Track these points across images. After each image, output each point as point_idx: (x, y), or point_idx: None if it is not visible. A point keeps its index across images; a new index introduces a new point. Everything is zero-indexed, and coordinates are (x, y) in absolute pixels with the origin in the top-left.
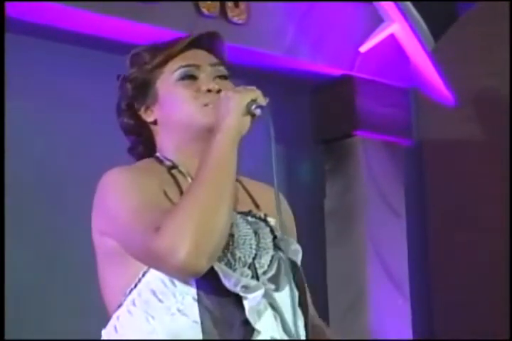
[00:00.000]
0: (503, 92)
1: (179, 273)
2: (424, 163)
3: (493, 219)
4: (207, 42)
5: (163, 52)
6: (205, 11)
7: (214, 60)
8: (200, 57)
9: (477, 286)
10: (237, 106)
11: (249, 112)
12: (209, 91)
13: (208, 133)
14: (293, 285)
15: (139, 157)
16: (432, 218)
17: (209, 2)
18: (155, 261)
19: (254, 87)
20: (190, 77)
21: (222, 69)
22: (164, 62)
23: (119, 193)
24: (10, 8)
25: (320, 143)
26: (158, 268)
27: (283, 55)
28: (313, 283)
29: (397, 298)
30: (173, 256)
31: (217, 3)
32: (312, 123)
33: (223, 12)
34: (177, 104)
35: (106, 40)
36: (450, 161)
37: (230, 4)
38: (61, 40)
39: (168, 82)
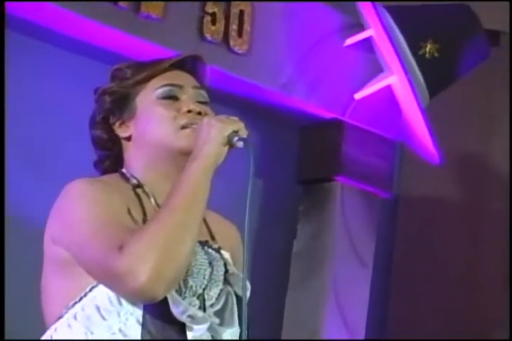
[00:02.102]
0: (490, 158)
1: (135, 296)
2: (397, 217)
3: (460, 283)
4: (191, 65)
5: (147, 69)
6: (208, 36)
7: (196, 83)
8: (183, 78)
9: None
10: (218, 135)
11: (229, 143)
12: (189, 111)
13: (179, 155)
14: (236, 322)
15: (104, 171)
16: (396, 274)
17: (213, 28)
18: (112, 280)
19: (237, 118)
20: (171, 97)
21: (203, 94)
22: (147, 79)
23: (81, 204)
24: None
25: (300, 183)
26: (113, 287)
27: (278, 90)
28: (268, 323)
29: None
30: (133, 278)
31: (221, 31)
32: (296, 163)
33: (226, 40)
34: (154, 123)
35: (106, 51)
36: (424, 219)
37: (233, 33)
38: (62, 45)
39: (148, 98)
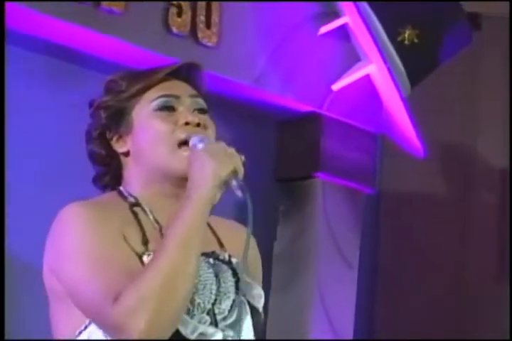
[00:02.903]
0: (475, 150)
1: None
2: (380, 212)
3: (445, 281)
4: (186, 72)
5: (141, 80)
6: (174, 29)
7: (193, 91)
8: (179, 87)
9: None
10: (214, 177)
11: (226, 185)
12: (187, 124)
13: (177, 177)
14: (252, 332)
15: (104, 187)
16: (382, 274)
17: (179, 20)
18: (106, 328)
19: (233, 150)
20: (168, 108)
21: (201, 102)
22: (142, 91)
23: (75, 234)
24: None
25: (278, 181)
26: (104, 331)
27: (251, 84)
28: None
29: None
30: (126, 333)
31: (188, 22)
32: (273, 160)
33: (193, 32)
34: (150, 139)
35: (68, 48)
36: (409, 216)
37: (201, 25)
38: (18, 44)
39: (144, 111)
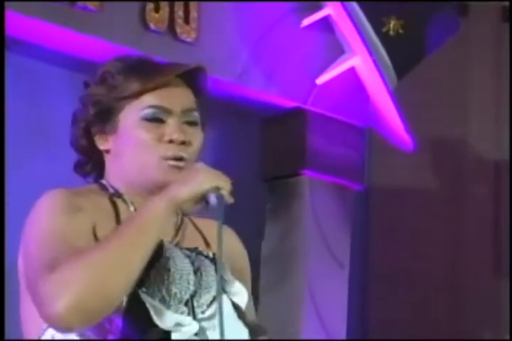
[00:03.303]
0: (466, 142)
1: (48, 322)
2: (370, 209)
3: (439, 277)
4: (190, 77)
5: (139, 79)
6: (152, 25)
7: (188, 104)
8: (175, 99)
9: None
10: (201, 184)
11: (203, 194)
12: (171, 142)
13: (158, 188)
14: (236, 330)
15: (85, 176)
16: (373, 272)
17: (157, 16)
18: (35, 300)
19: (227, 178)
20: (157, 120)
21: (194, 115)
22: (136, 95)
23: (43, 218)
24: None
25: (264, 179)
26: (37, 310)
27: (232, 81)
28: None
29: None
30: (51, 303)
31: (166, 18)
32: (258, 157)
33: (172, 28)
34: (133, 148)
35: (43, 48)
36: (400, 212)
37: (179, 21)
38: None
39: (132, 116)
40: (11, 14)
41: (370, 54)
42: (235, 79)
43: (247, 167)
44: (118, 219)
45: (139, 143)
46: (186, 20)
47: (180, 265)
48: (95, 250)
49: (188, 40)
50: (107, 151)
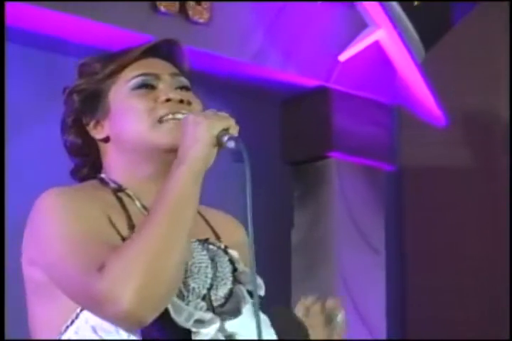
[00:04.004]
0: (497, 112)
1: (119, 322)
2: (403, 191)
3: (477, 256)
4: (166, 50)
5: (116, 60)
6: (162, 8)
7: (174, 69)
8: (158, 65)
9: (458, 328)
10: (206, 135)
11: (219, 143)
12: (168, 100)
13: (163, 154)
14: (254, 323)
15: (82, 180)
16: (410, 255)
17: None
18: (92, 305)
19: (226, 114)
20: (147, 86)
21: (183, 80)
22: (117, 71)
23: (54, 218)
24: None
25: (289, 164)
26: (95, 312)
27: (249, 61)
28: None
29: None
30: (115, 303)
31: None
32: (281, 142)
33: (183, 10)
34: (129, 119)
35: (53, 37)
36: (432, 190)
37: (191, 2)
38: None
39: (121, 92)
40: (20, 5)
41: (395, 26)
42: (251, 60)
43: (270, 152)
44: (127, 213)
45: (135, 111)
46: (198, 0)
47: (198, 257)
48: (140, 238)
49: (201, 20)
50: (105, 140)
